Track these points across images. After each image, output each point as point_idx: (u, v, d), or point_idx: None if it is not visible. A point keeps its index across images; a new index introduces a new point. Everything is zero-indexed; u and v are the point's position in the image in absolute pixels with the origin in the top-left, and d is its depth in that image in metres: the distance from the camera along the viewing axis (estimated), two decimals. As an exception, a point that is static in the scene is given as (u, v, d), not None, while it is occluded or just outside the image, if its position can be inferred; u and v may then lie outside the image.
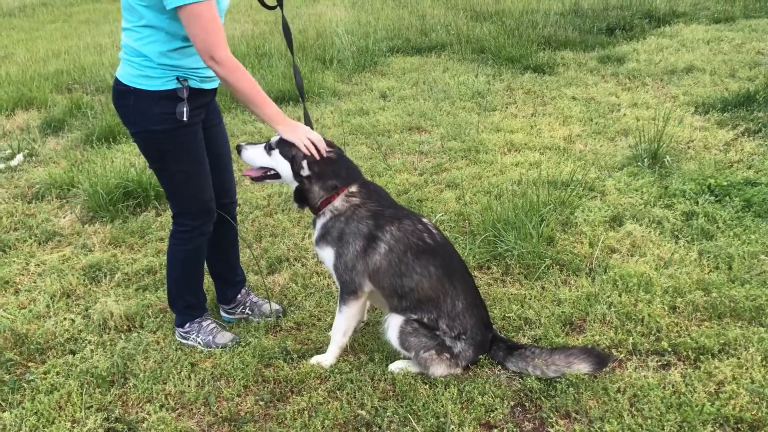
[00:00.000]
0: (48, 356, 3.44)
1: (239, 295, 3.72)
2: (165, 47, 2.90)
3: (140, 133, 3.07)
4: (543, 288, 3.69)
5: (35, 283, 4.18)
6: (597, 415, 2.73)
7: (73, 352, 3.46)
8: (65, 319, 3.75)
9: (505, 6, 12.94)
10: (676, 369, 2.97)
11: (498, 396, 2.89)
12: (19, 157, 6.29)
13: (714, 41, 9.36)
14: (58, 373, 3.28)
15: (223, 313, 3.76)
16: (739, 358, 2.97)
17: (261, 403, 3.00)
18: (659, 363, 3.04)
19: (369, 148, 6.15)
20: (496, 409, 2.82)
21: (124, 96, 3.02)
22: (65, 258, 4.46)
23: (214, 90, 3.21)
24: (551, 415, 2.77)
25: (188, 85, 2.98)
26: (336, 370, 3.15)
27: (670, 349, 3.09)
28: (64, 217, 5.08)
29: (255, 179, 3.24)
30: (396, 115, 7.07)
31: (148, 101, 2.97)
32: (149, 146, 3.11)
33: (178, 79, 2.97)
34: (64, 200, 5.38)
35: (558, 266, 3.85)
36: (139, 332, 3.60)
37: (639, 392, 2.83)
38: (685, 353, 3.06)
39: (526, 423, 2.78)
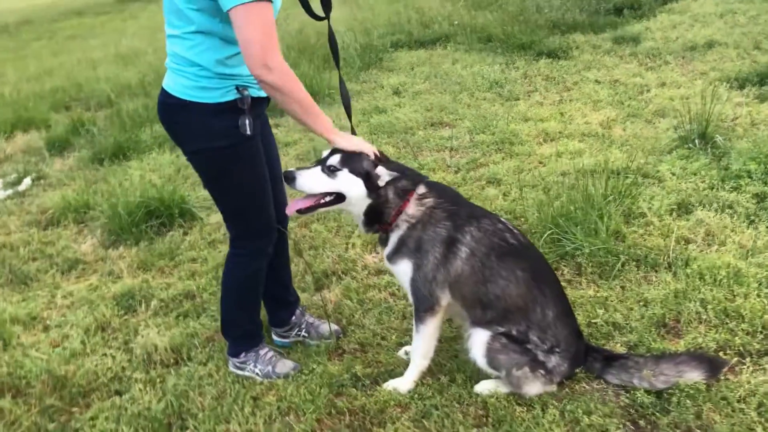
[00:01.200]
0: (92, 399, 3.14)
1: (293, 317, 3.42)
2: (221, 54, 2.59)
3: (200, 152, 2.76)
4: (623, 288, 3.40)
5: (65, 317, 3.87)
6: (724, 430, 2.45)
7: (119, 393, 3.16)
8: (105, 355, 3.45)
9: (503, -8, 12.68)
10: (797, 371, 2.69)
11: (606, 415, 2.60)
12: (27, 181, 5.97)
13: (727, 14, 9.09)
14: (107, 419, 2.98)
15: (275, 338, 3.46)
16: None
17: (341, 439, 2.70)
18: (776, 365, 2.76)
19: (395, 147, 5.85)
20: (608, 430, 2.53)
21: (176, 111, 2.71)
22: (93, 287, 4.15)
23: (268, 99, 2.90)
24: (671, 433, 2.49)
25: (248, 94, 2.68)
26: (416, 395, 2.86)
27: (784, 349, 2.82)
28: (84, 243, 4.76)
29: (304, 211, 2.79)
30: (415, 111, 6.78)
31: (207, 115, 2.66)
32: (210, 165, 2.80)
33: (237, 88, 2.66)
34: (82, 224, 5.06)
35: (634, 262, 3.56)
36: (188, 365, 3.29)
37: (765, 400, 2.55)
38: (803, 352, 2.78)
39: (645, 444, 2.50)
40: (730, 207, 3.95)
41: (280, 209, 3.04)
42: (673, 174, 4.49)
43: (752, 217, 3.82)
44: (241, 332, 3.21)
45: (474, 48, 9.24)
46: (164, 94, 2.73)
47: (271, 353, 3.22)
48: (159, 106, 2.78)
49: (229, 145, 2.71)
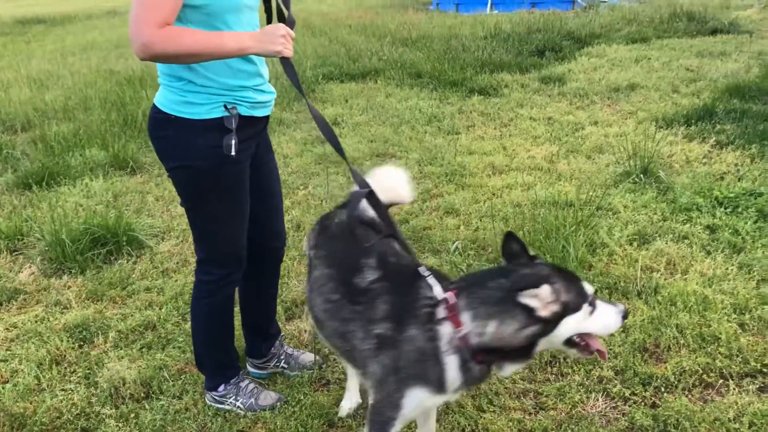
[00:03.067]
0: (57, 439, 2.88)
1: (273, 348, 3.28)
2: (201, 64, 2.47)
3: (179, 168, 2.62)
4: (599, 314, 3.48)
5: (11, 350, 3.56)
6: (723, 449, 2.53)
7: (86, 430, 2.92)
8: (65, 390, 3.19)
9: (426, 31, 13.01)
10: (779, 391, 2.82)
11: (608, 438, 2.63)
12: (-54, 206, 5.50)
13: (642, 60, 9.69)
14: (77, 459, 2.74)
15: (252, 369, 3.31)
16: (840, 375, 2.86)
17: (342, 473, 2.60)
18: (757, 386, 2.88)
19: (345, 177, 5.81)
20: (613, 453, 2.56)
21: (162, 125, 2.57)
22: (40, 318, 3.85)
23: (267, 118, 2.80)
24: (674, 455, 2.54)
25: (237, 113, 2.57)
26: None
27: (763, 370, 2.95)
28: (22, 272, 4.42)
29: None
30: (358, 142, 6.78)
31: (191, 132, 2.53)
32: (188, 183, 2.66)
33: (225, 106, 2.55)
34: (17, 252, 4.70)
35: (606, 290, 3.66)
36: (160, 399, 3.09)
37: (755, 420, 2.65)
38: (780, 373, 2.92)
39: (651, 466, 2.54)
40: (686, 238, 4.14)
41: (277, 234, 2.93)
42: (625, 206, 4.67)
43: (707, 248, 4.02)
44: (216, 364, 3.05)
45: (405, 83, 9.38)
46: (154, 108, 2.60)
47: (252, 385, 3.08)
48: (149, 120, 2.65)
49: (210, 166, 2.58)
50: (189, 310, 3.67)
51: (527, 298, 1.97)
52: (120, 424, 2.92)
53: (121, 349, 3.51)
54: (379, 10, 18.37)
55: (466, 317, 2.05)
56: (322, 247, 2.59)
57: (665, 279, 3.74)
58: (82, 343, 3.58)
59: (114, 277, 4.24)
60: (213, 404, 3.04)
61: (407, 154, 6.30)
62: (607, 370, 3.05)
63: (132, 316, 3.82)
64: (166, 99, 2.56)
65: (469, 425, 2.77)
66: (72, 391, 3.17)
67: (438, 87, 8.94)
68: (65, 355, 3.47)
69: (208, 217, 2.74)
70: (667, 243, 4.07)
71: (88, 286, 4.17)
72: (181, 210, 5.18)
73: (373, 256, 2.34)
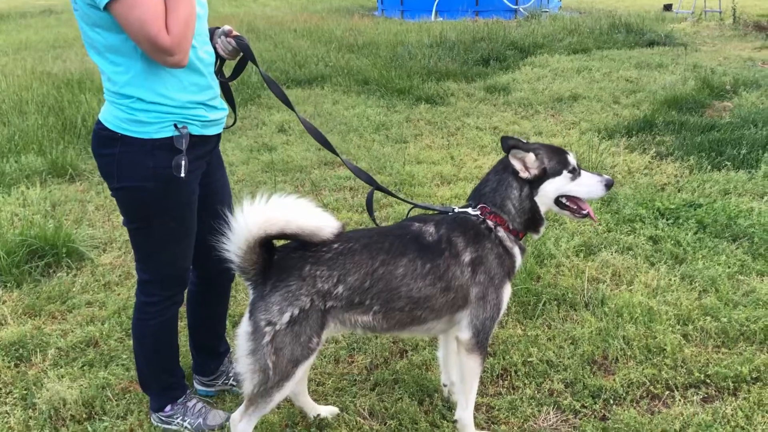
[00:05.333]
0: (-8, 465, 2.75)
1: (222, 365, 3.20)
2: (150, 79, 2.40)
3: (124, 189, 2.53)
4: (549, 326, 3.52)
5: (-60, 370, 3.39)
6: (671, 461, 2.58)
7: (24, 457, 2.79)
8: None
9: (372, 38, 13.02)
10: (722, 402, 2.90)
11: (560, 452, 2.66)
12: None
13: (584, 70, 9.90)
14: (16, 487, 2.62)
15: (198, 386, 3.22)
16: (780, 384, 2.95)
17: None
18: (701, 397, 2.95)
19: (293, 185, 5.75)
20: (565, 467, 2.59)
21: (107, 143, 2.48)
22: (-28, 336, 3.67)
23: (218, 136, 2.73)
24: (624, 468, 2.58)
25: (188, 132, 2.50)
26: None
27: (706, 381, 3.03)
28: (-48, 286, 4.22)
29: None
30: (306, 150, 6.73)
31: (139, 151, 2.45)
32: (133, 204, 2.57)
33: (176, 125, 2.48)
34: (-53, 265, 4.48)
35: (554, 301, 3.71)
36: (104, 420, 2.98)
37: (699, 430, 2.71)
38: (722, 384, 3.00)
39: (602, 480, 2.57)
40: (630, 249, 4.24)
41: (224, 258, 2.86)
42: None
43: (651, 259, 4.11)
44: (161, 385, 2.96)
45: (352, 90, 9.37)
46: (98, 123, 2.52)
47: (200, 404, 3.00)
48: (92, 135, 2.56)
49: (158, 188, 2.51)
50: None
51: (514, 159, 2.60)
52: (61, 448, 2.80)
53: (61, 367, 3.37)
54: (324, 14, 18.31)
55: (501, 214, 2.63)
56: (338, 262, 2.51)
57: (611, 290, 3.82)
58: (18, 362, 3.44)
59: (53, 291, 4.08)
60: (159, 425, 2.94)
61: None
62: (558, 383, 3.08)
63: (72, 332, 3.68)
64: (111, 116, 2.47)
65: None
66: (8, 414, 3.03)
67: (385, 95, 8.95)
68: (0, 375, 3.32)
69: (152, 239, 2.65)
70: (612, 254, 4.16)
71: (25, 300, 4.01)
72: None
73: (412, 222, 2.70)
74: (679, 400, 2.92)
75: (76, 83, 9.08)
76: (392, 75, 9.49)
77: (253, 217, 2.33)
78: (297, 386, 2.84)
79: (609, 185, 2.72)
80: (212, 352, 3.14)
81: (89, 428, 2.92)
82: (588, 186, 2.70)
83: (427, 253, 2.56)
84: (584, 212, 2.73)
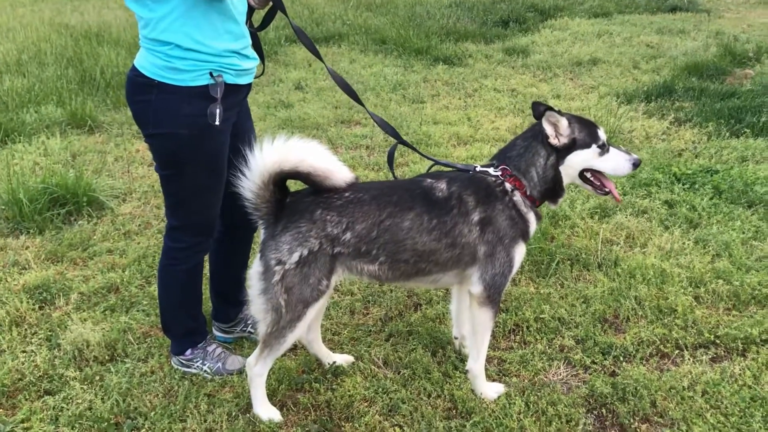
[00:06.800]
0: (19, 400, 2.85)
1: (240, 313, 3.28)
2: (193, 26, 2.44)
3: (159, 135, 2.58)
4: (561, 285, 3.57)
5: (-33, 311, 3.48)
6: (678, 416, 2.63)
7: (50, 393, 2.89)
8: (25, 352, 3.14)
9: (390, -3, 12.89)
10: (730, 362, 2.94)
11: (570, 405, 2.72)
12: None
13: (604, 34, 9.79)
14: (42, 420, 2.72)
15: (217, 333, 3.31)
16: (789, 346, 2.99)
17: (312, 435, 2.63)
18: (710, 357, 3.00)
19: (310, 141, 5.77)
20: (574, 419, 2.65)
21: (143, 89, 2.52)
22: (-3, 279, 3.77)
23: (249, 86, 2.77)
24: (631, 421, 2.63)
25: (223, 81, 2.53)
26: (380, 389, 2.84)
27: (716, 341, 3.07)
28: (-25, 230, 4.31)
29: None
30: (323, 108, 6.74)
31: (175, 99, 2.50)
32: (167, 151, 2.62)
33: (211, 73, 2.51)
34: (-30, 210, 4.57)
35: (567, 261, 3.75)
36: (125, 362, 3.07)
37: (708, 388, 2.76)
38: (732, 345, 3.04)
39: (610, 431, 2.63)
40: (645, 212, 4.25)
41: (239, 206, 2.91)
42: (587, 180, 4.76)
43: (666, 222, 4.13)
44: (183, 330, 3.04)
45: (370, 49, 9.32)
46: (134, 70, 2.55)
47: (219, 349, 3.08)
48: (127, 81, 2.59)
49: (192, 135, 2.55)
50: (153, 273, 3.68)
51: (547, 122, 2.61)
52: (84, 387, 2.90)
53: (83, 311, 3.46)
54: (343, -28, 18.07)
55: (522, 179, 2.65)
56: (348, 209, 2.54)
57: (625, 252, 3.85)
58: (42, 305, 3.53)
59: (74, 239, 4.16)
60: (180, 368, 3.03)
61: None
62: (569, 339, 3.13)
63: (94, 278, 3.77)
64: (148, 63, 2.50)
65: (435, 390, 2.83)
66: (34, 353, 3.13)
67: (403, 54, 8.91)
68: (25, 317, 3.41)
69: (184, 186, 2.70)
70: (627, 217, 4.18)
71: (47, 246, 4.09)
72: (142, 171, 5.12)
73: (425, 178, 2.70)
74: (688, 359, 2.97)
75: (94, 35, 9.10)
76: (410, 34, 9.42)
77: (270, 154, 2.39)
78: (311, 334, 2.92)
79: (636, 164, 2.73)
80: (232, 299, 3.21)
81: (112, 369, 3.01)
82: (615, 162, 2.70)
83: (434, 209, 2.59)
84: (606, 190, 2.75)
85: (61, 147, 5.65)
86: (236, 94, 2.66)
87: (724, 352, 3.04)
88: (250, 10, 2.75)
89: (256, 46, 2.81)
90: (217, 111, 2.52)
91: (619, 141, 5.44)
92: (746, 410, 2.63)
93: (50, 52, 8.33)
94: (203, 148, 2.59)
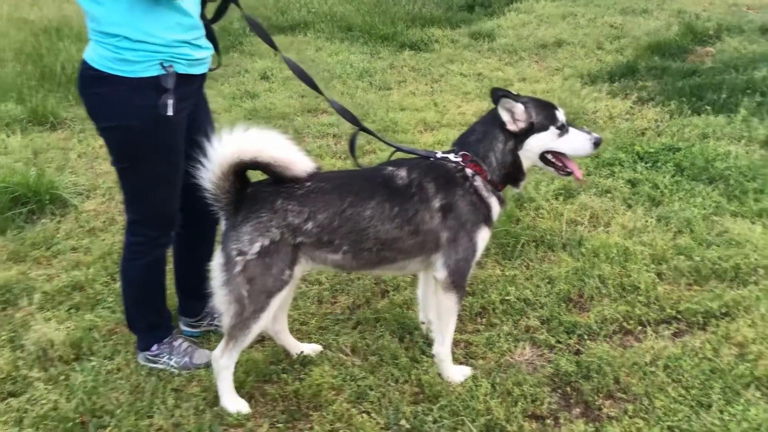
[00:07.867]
0: (-19, 403, 2.81)
1: (206, 307, 3.26)
2: (141, 15, 2.41)
3: (112, 128, 2.56)
4: (527, 267, 3.60)
5: (-73, 313, 3.43)
6: (640, 391, 2.69)
7: (13, 395, 2.86)
8: (-12, 354, 3.10)
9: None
10: (691, 336, 3.00)
11: (535, 385, 2.75)
12: None
13: (569, 16, 9.81)
14: (5, 423, 2.69)
15: (184, 327, 3.29)
16: (747, 319, 3.05)
17: (279, 425, 2.64)
18: (671, 332, 3.05)
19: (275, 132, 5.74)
20: (539, 398, 2.69)
21: (93, 82, 2.50)
22: (-43, 280, 3.71)
23: (204, 76, 2.74)
24: (595, 398, 2.68)
25: (174, 71, 2.51)
26: (348, 377, 2.85)
27: (677, 317, 3.13)
28: (-66, 232, 4.23)
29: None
30: (289, 97, 6.71)
31: (126, 90, 2.47)
32: (121, 143, 2.60)
33: (162, 64, 2.49)
34: (-72, 211, 4.48)
35: (533, 243, 3.78)
36: (91, 360, 3.05)
37: (669, 363, 2.82)
38: (693, 319, 3.10)
39: (574, 409, 2.67)
40: (608, 192, 4.31)
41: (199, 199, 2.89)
42: (552, 161, 4.80)
43: (629, 201, 4.19)
44: (148, 325, 3.03)
45: (336, 36, 9.26)
46: (84, 63, 2.53)
47: (186, 344, 3.07)
48: (78, 76, 2.56)
49: (145, 126, 2.54)
50: (118, 270, 3.62)
51: (503, 109, 2.63)
52: (49, 387, 2.87)
53: (47, 310, 3.43)
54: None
55: (482, 164, 2.67)
56: (309, 199, 2.54)
57: (589, 232, 3.90)
58: (5, 306, 3.48)
59: (37, 237, 4.11)
60: (146, 364, 3.02)
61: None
62: (534, 320, 3.17)
63: (58, 276, 3.72)
64: (97, 55, 2.47)
65: (402, 376, 2.85)
66: (-5, 355, 3.09)
67: (369, 41, 8.87)
68: (-12, 318, 3.37)
69: (140, 179, 2.69)
70: (590, 197, 4.22)
71: (9, 246, 4.04)
72: (106, 167, 5.05)
73: (386, 166, 2.73)
74: (651, 335, 3.03)
75: (54, 30, 8.91)
76: (376, 21, 9.37)
77: (230, 144, 2.38)
78: (277, 325, 2.92)
79: (597, 143, 2.73)
80: (197, 293, 3.17)
81: (77, 368, 2.99)
82: (575, 143, 2.71)
83: (395, 197, 2.61)
84: (568, 170, 2.76)
85: (23, 145, 5.55)
86: (189, 85, 2.63)
87: (686, 326, 3.10)
88: (203, 2, 2.72)
89: (210, 36, 2.78)
90: (169, 102, 2.49)
91: (583, 122, 5.48)
92: (706, 383, 2.69)
93: (8, 48, 8.16)
94: (157, 140, 2.57)
